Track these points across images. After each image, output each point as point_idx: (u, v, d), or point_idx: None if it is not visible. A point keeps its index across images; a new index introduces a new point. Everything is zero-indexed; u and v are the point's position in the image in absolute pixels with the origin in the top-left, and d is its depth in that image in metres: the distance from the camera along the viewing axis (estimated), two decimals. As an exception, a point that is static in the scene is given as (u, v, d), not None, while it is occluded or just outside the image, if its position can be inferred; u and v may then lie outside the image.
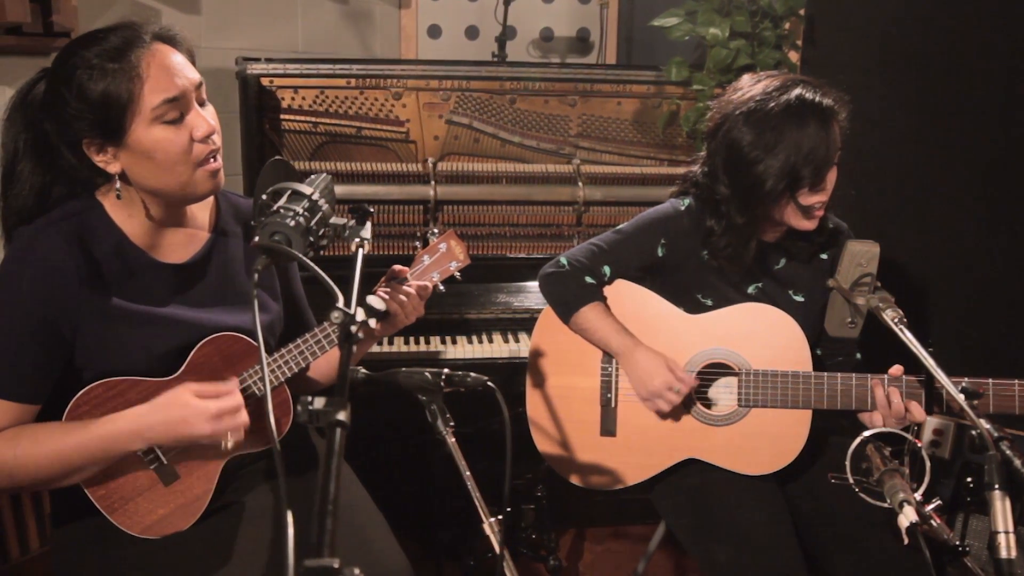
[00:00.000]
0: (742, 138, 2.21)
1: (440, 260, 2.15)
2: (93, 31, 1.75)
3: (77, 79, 1.69)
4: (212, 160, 1.81)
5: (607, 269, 2.42)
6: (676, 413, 2.34)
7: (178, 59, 1.77)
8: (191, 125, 1.76)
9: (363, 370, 1.73)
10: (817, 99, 2.16)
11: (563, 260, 2.43)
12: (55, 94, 1.73)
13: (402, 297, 2.05)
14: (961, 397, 1.77)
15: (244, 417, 1.81)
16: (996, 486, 1.59)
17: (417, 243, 3.16)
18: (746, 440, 2.31)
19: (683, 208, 2.40)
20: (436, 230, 2.20)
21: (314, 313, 2.24)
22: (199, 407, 1.75)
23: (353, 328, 1.35)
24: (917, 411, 2.15)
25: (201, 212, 1.99)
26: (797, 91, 2.17)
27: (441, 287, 2.16)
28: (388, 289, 2.06)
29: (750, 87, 2.26)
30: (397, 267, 2.11)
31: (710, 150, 2.35)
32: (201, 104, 1.81)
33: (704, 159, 2.39)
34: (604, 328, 2.36)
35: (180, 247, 1.93)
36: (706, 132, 2.39)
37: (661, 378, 2.27)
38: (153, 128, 1.72)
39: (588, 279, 2.40)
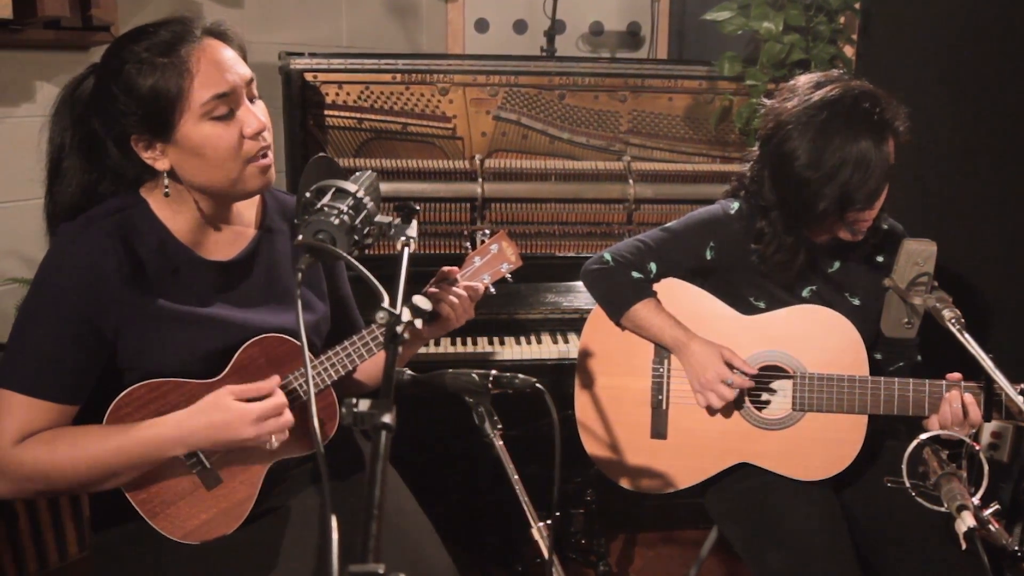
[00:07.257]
0: (795, 155, 2.13)
1: (491, 262, 2.10)
2: (143, 26, 1.74)
3: (126, 74, 1.67)
4: (263, 157, 1.79)
5: (653, 266, 2.38)
6: (728, 415, 2.31)
7: (228, 54, 1.75)
8: (242, 121, 1.74)
9: (409, 372, 1.70)
10: (876, 119, 2.08)
11: (607, 256, 2.40)
12: (104, 89, 1.71)
13: (452, 299, 2.00)
14: (1020, 400, 1.76)
15: (288, 417, 1.78)
16: (1056, 490, 1.56)
17: (466, 243, 3.14)
18: (800, 445, 2.26)
19: (733, 212, 2.36)
20: (487, 230, 2.15)
21: (360, 313, 2.22)
22: (241, 411, 1.73)
23: (399, 328, 1.33)
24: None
25: (248, 209, 1.97)
26: (858, 109, 2.08)
27: (492, 289, 2.11)
28: (437, 291, 2.01)
29: (807, 93, 2.16)
30: (447, 268, 2.06)
31: (761, 155, 2.29)
32: (252, 100, 1.79)
33: (755, 161, 2.34)
34: (659, 323, 2.33)
35: (226, 244, 1.91)
36: (759, 135, 2.32)
37: (713, 370, 2.24)
38: (202, 124, 1.70)
39: (635, 274, 2.36)
